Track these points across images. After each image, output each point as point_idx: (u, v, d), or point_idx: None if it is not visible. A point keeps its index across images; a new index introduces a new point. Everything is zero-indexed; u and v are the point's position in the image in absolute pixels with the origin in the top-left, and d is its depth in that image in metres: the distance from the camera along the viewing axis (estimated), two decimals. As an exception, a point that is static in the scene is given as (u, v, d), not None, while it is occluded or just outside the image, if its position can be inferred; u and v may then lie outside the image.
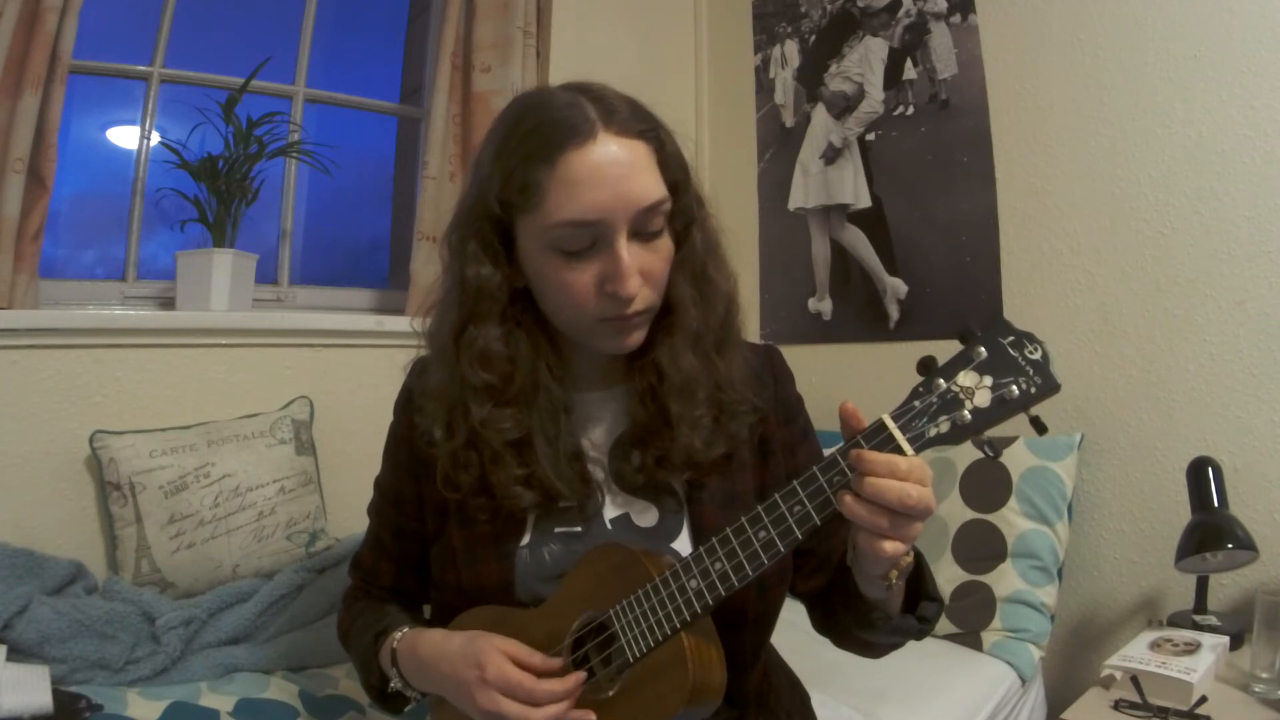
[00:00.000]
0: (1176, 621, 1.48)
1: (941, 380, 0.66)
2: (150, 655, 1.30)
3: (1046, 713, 1.64)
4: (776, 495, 0.70)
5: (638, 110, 0.79)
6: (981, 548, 1.66)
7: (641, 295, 0.78)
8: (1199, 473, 1.47)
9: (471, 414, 0.82)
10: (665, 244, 0.81)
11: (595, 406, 0.90)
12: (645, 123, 0.79)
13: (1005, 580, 1.62)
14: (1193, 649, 1.32)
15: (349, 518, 1.72)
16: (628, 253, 0.76)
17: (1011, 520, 1.65)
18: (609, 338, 0.81)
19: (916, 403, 0.66)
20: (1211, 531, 1.40)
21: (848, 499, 0.66)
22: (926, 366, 0.67)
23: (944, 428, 0.65)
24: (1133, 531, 1.67)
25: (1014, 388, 0.64)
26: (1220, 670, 1.32)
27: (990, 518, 1.67)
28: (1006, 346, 0.65)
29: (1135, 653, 1.33)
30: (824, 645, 0.96)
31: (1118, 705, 1.23)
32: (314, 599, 1.47)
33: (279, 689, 1.32)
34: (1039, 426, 0.65)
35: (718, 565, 0.71)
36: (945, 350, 0.67)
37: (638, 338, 0.82)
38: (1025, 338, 0.65)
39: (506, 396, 0.82)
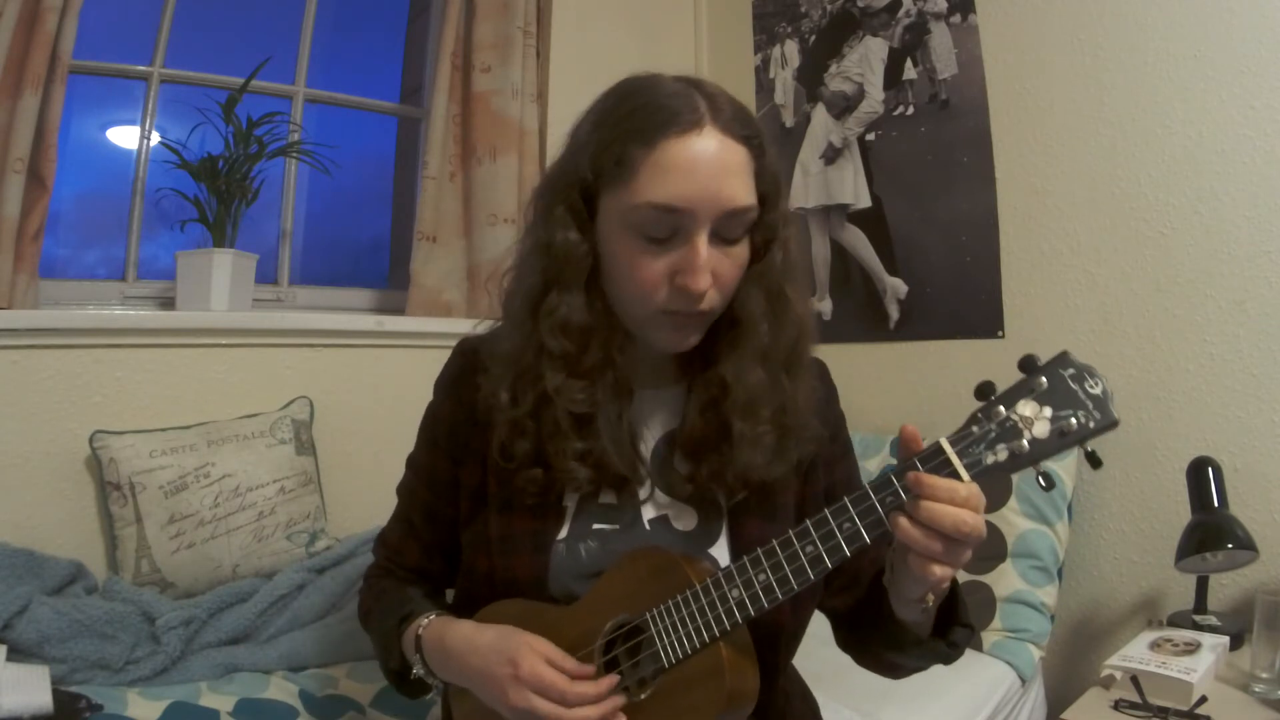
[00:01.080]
0: (1176, 621, 1.48)
1: (1001, 408, 0.65)
2: (150, 655, 1.30)
3: (1046, 713, 1.64)
4: (827, 511, 0.69)
5: (743, 116, 0.78)
6: (981, 547, 1.64)
7: (709, 298, 0.77)
8: (1199, 473, 1.47)
9: (545, 380, 0.80)
10: (741, 252, 0.79)
11: (646, 404, 0.89)
12: (749, 129, 0.78)
13: (1005, 580, 1.62)
14: (1193, 649, 1.32)
15: (349, 518, 1.73)
16: (705, 249, 0.75)
17: (1012, 520, 1.65)
18: (666, 332, 0.80)
19: (975, 428, 0.66)
20: (1211, 531, 1.40)
21: (903, 521, 0.65)
22: (984, 392, 0.66)
23: (1001, 456, 0.65)
24: (1133, 531, 1.67)
25: (1073, 420, 0.63)
26: (1220, 670, 1.32)
27: (990, 518, 1.67)
28: (1067, 379, 0.64)
29: (1135, 653, 1.33)
30: (825, 646, 0.96)
31: (1118, 705, 1.23)
32: (314, 599, 1.47)
33: (279, 689, 1.32)
34: (1094, 461, 0.65)
35: (762, 577, 0.71)
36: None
37: (694, 339, 0.81)
38: (1086, 371, 0.65)
39: (581, 369, 0.81)
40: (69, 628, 1.24)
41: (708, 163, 0.74)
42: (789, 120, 2.33)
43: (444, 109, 1.99)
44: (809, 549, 0.69)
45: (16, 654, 1.20)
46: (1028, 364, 0.66)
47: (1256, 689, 1.25)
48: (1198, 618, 1.46)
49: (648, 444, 0.88)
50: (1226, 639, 1.37)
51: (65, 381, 1.53)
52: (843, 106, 2.18)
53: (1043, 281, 1.81)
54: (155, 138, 1.80)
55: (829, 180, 2.21)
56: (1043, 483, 0.65)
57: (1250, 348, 1.53)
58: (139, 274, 1.80)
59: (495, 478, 0.87)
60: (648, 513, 0.87)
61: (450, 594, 1.00)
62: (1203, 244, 1.59)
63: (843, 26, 2.20)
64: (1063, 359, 0.65)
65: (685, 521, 0.86)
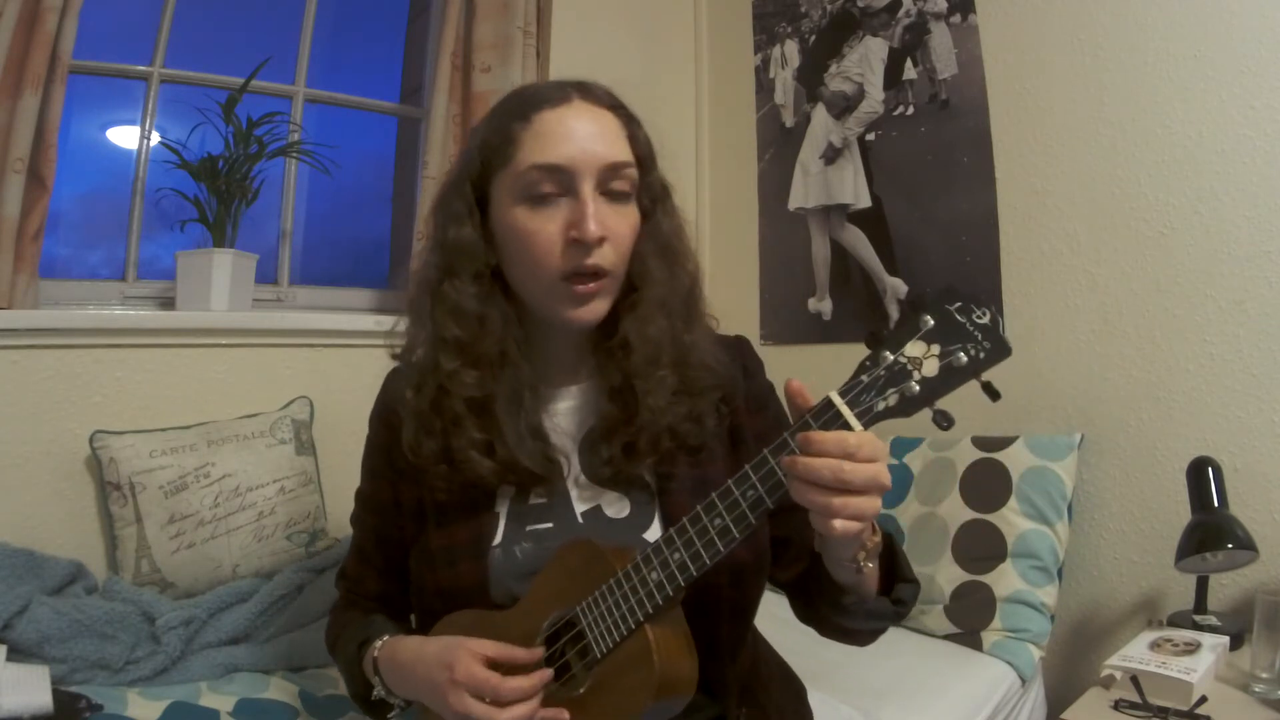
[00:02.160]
0: (1176, 621, 1.48)
1: (888, 352, 0.64)
2: (150, 655, 1.30)
3: (1046, 713, 1.64)
4: (730, 481, 0.69)
5: (610, 93, 0.87)
6: (981, 548, 1.66)
7: (604, 254, 0.80)
8: (1199, 473, 1.47)
9: (441, 367, 0.83)
10: (632, 212, 0.85)
11: (564, 400, 0.91)
12: (615, 101, 0.86)
13: (1005, 580, 1.62)
14: (1193, 649, 1.32)
15: (349, 518, 1.72)
16: (593, 201, 0.80)
17: (1011, 520, 1.65)
18: (570, 303, 0.82)
19: (864, 377, 0.65)
20: (1211, 531, 1.40)
21: (794, 481, 0.64)
22: (875, 339, 0.65)
23: (892, 401, 0.63)
24: (1133, 531, 1.67)
25: (962, 354, 0.62)
26: (1220, 670, 1.32)
27: (990, 518, 1.67)
28: (953, 313, 0.63)
29: (1135, 653, 1.33)
30: (824, 644, 0.96)
31: (1118, 705, 1.23)
32: (314, 599, 1.47)
33: (279, 689, 1.32)
34: (991, 393, 0.63)
35: (676, 556, 0.71)
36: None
37: (598, 307, 0.83)
38: (973, 302, 0.63)
39: (474, 356, 0.83)
40: (69, 628, 1.24)
41: (580, 125, 0.81)
42: (789, 120, 2.33)
43: (444, 109, 1.99)
44: (717, 521, 0.69)
45: (16, 654, 1.20)
46: (914, 303, 0.65)
47: (1256, 689, 1.25)
48: (1198, 618, 1.46)
49: (570, 440, 0.90)
50: (1226, 639, 1.37)
51: (65, 381, 1.53)
52: (843, 106, 2.18)
53: (1043, 281, 1.81)
54: (155, 138, 1.80)
55: (829, 180, 2.21)
56: (942, 423, 0.63)
57: (1250, 348, 1.53)
58: (139, 274, 1.80)
59: (430, 493, 0.88)
60: (580, 506, 0.88)
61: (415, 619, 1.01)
62: (1203, 244, 1.59)
63: (843, 26, 2.20)
64: (948, 293, 0.64)
65: (618, 509, 0.87)
